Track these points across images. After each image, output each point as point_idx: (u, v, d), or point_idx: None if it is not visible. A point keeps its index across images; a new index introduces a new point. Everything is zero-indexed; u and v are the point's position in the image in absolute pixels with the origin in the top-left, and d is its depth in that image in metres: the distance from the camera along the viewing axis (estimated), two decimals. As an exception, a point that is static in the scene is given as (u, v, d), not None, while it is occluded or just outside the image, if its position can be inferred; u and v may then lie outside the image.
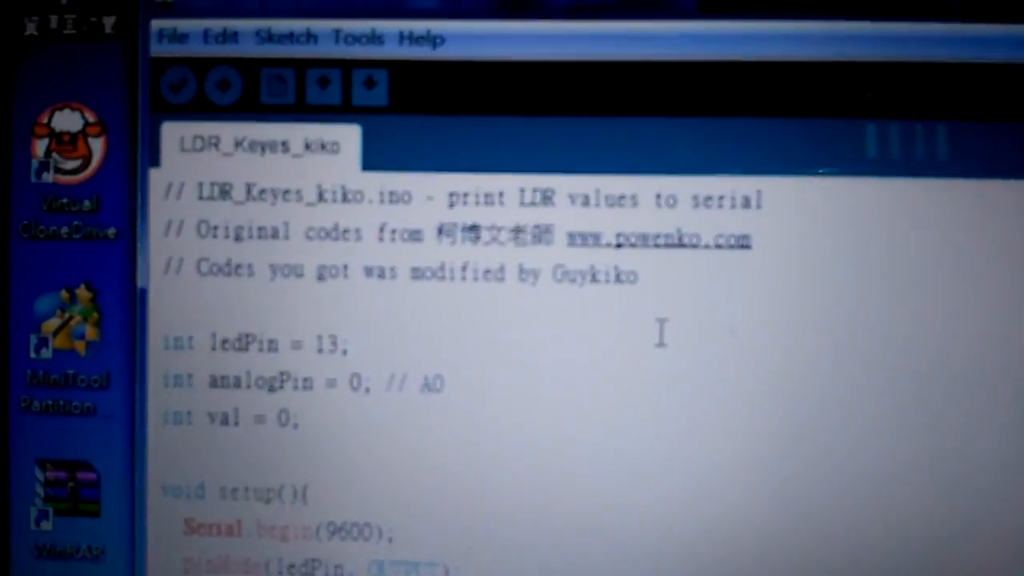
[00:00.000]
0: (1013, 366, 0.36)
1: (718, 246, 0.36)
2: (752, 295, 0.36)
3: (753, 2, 0.35)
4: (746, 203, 0.36)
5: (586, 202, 0.36)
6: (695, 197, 0.36)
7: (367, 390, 0.37)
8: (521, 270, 0.36)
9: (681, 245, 0.36)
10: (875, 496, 0.36)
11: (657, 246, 0.36)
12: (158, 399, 0.37)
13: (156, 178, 0.37)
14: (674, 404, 0.36)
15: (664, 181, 0.36)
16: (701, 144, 0.36)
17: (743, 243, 0.36)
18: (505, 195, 0.36)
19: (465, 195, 0.36)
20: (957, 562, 0.36)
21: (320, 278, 0.37)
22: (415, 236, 0.36)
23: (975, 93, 0.35)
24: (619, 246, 0.36)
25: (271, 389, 0.37)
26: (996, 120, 0.35)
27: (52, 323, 0.38)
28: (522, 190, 0.36)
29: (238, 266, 0.37)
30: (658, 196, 0.36)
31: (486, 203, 0.36)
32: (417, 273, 0.36)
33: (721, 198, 0.36)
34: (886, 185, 0.35)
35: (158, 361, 0.37)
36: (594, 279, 0.36)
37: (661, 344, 0.36)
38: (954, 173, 0.35)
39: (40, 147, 0.37)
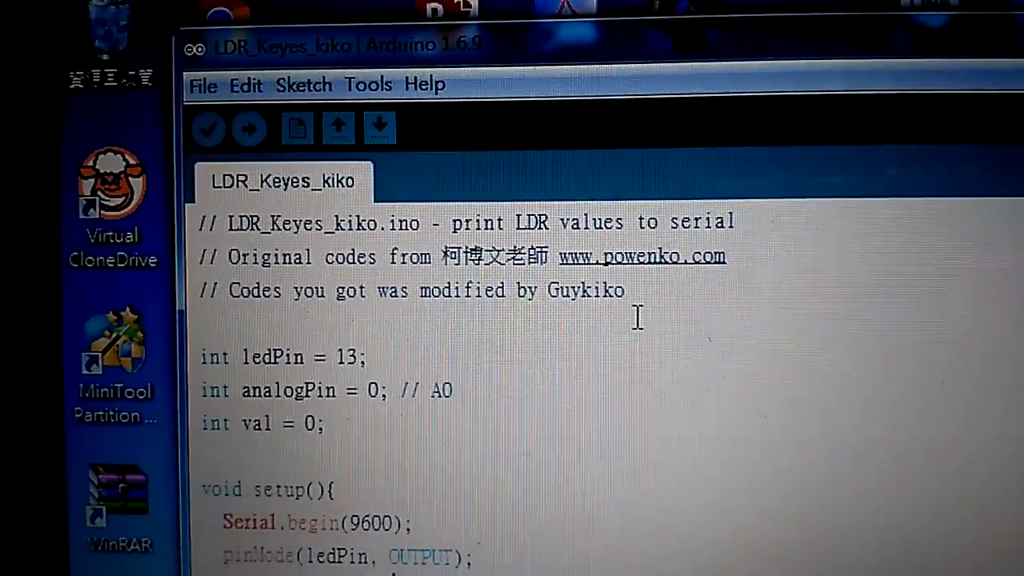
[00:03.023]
0: (965, 372, 0.39)
1: (696, 262, 0.39)
2: (727, 304, 0.39)
3: (725, 45, 0.39)
4: (720, 223, 0.39)
5: (576, 225, 0.39)
6: (674, 219, 0.39)
7: (383, 397, 0.41)
8: (519, 287, 0.40)
9: (663, 262, 0.39)
10: (844, 485, 0.40)
11: (641, 263, 0.39)
12: (197, 407, 0.41)
13: (191, 212, 0.41)
14: (655, 403, 0.40)
15: (646, 205, 0.39)
16: (678, 172, 0.39)
17: (719, 259, 0.39)
18: (503, 221, 0.40)
19: (467, 221, 0.40)
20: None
21: (339, 298, 0.40)
22: (423, 259, 0.40)
23: (924, 119, 0.38)
24: (607, 264, 0.40)
25: (298, 397, 0.41)
26: (948, 143, 0.39)
27: (101, 342, 0.41)
28: (518, 216, 0.40)
29: (266, 289, 0.41)
30: (641, 219, 0.39)
31: (486, 228, 0.40)
32: (426, 291, 0.40)
33: (698, 219, 0.39)
34: (842, 205, 0.39)
35: (197, 374, 0.41)
36: (585, 293, 0.40)
37: (643, 346, 0.40)
38: (903, 192, 0.39)
39: (87, 186, 0.41)
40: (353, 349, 0.41)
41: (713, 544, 0.40)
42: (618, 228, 0.39)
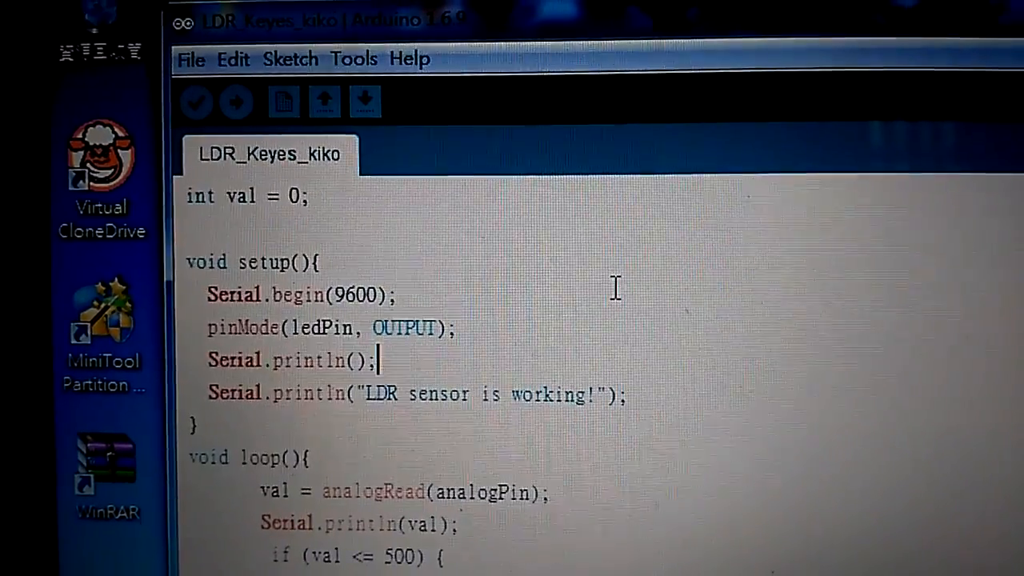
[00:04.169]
0: (950, 347, 0.40)
1: (674, 234, 0.40)
2: (705, 277, 0.40)
3: (700, 22, 0.39)
4: (699, 197, 0.40)
5: (557, 198, 0.40)
6: (654, 193, 0.40)
7: None
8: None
9: (643, 234, 0.40)
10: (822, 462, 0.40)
11: (620, 234, 0.40)
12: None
13: (179, 184, 0.41)
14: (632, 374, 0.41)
15: (626, 179, 0.40)
16: (659, 147, 0.40)
17: (698, 232, 0.40)
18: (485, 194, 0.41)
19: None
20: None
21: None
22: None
23: (904, 96, 0.39)
24: (586, 235, 0.40)
25: None
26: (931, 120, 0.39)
27: (90, 313, 0.42)
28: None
29: (253, 259, 0.41)
30: (621, 192, 0.40)
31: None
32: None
33: (677, 193, 0.40)
34: (820, 180, 0.39)
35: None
36: (564, 263, 0.41)
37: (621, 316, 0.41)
38: (882, 168, 0.39)
39: (76, 159, 0.41)
40: None
41: (692, 517, 0.41)
42: (599, 202, 0.40)
